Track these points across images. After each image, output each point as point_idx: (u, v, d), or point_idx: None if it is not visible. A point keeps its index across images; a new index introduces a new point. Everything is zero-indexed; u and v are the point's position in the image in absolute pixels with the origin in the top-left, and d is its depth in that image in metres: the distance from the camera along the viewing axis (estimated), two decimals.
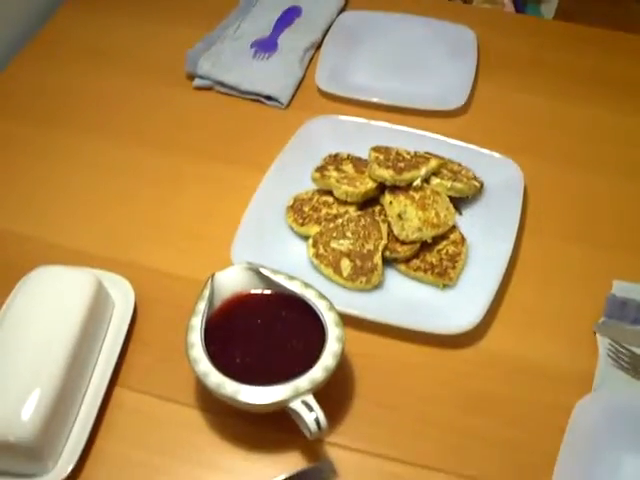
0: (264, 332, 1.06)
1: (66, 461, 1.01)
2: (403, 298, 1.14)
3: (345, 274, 1.14)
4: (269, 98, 1.43)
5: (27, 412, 0.98)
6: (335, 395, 1.05)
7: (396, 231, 1.15)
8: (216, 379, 0.99)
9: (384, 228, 1.16)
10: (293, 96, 1.45)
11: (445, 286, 1.14)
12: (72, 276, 1.10)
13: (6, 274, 1.14)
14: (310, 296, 1.05)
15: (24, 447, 0.97)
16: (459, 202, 1.23)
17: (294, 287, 1.06)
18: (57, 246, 1.22)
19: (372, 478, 1.02)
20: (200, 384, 1.05)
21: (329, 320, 1.03)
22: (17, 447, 0.97)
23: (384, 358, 1.11)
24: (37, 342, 1.03)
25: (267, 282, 1.08)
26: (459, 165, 1.26)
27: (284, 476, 0.95)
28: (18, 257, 1.20)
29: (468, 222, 1.21)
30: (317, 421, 0.97)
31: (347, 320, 1.06)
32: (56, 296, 1.08)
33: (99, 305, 1.10)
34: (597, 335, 1.12)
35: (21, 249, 1.23)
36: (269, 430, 1.05)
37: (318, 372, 0.99)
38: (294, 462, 1.02)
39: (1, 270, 1.19)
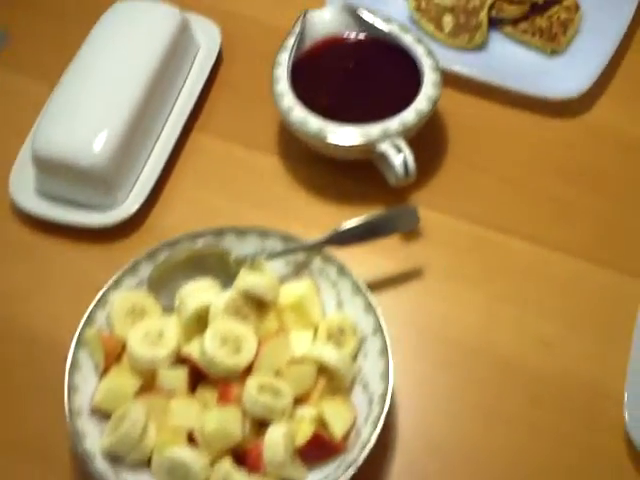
0: (355, 75, 0.89)
1: (137, 195, 0.87)
2: (507, 61, 0.94)
3: (447, 30, 0.95)
4: None
5: (100, 140, 0.84)
6: (426, 154, 0.87)
7: None
8: (301, 114, 0.82)
9: None
10: None
11: (553, 52, 0.94)
12: (154, 11, 0.93)
13: (85, 14, 0.95)
14: (407, 40, 0.87)
15: (95, 174, 0.84)
16: None
17: (391, 30, 0.87)
18: None
19: (457, 239, 0.85)
20: (283, 129, 0.89)
21: (426, 65, 0.85)
22: (88, 174, 0.84)
23: (482, 120, 0.92)
24: (114, 75, 0.88)
25: (363, 25, 0.89)
26: None
27: (364, 218, 0.79)
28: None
29: None
30: (405, 163, 0.80)
31: (445, 79, 0.87)
32: (137, 30, 0.92)
33: (182, 43, 0.93)
34: None
35: None
36: (352, 180, 0.88)
37: (410, 115, 0.82)
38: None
39: (80, 9, 1.02)
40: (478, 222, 0.85)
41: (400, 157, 0.80)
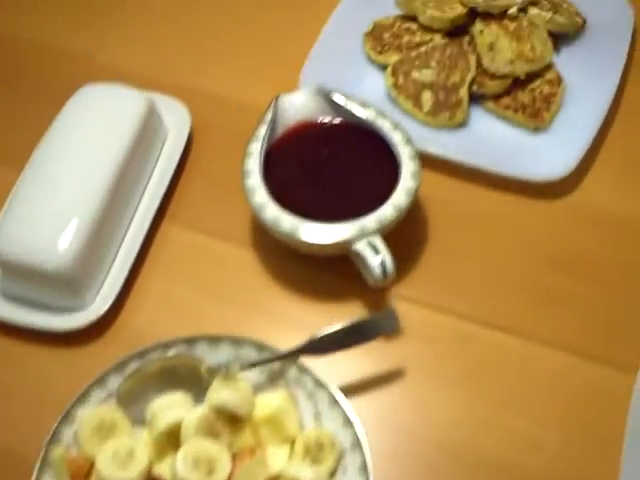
0: (330, 164, 0.85)
1: (105, 296, 0.83)
2: (489, 139, 0.91)
3: (426, 108, 0.92)
4: None
5: (65, 240, 0.80)
6: (405, 242, 0.85)
7: (486, 63, 0.91)
8: (273, 212, 0.79)
9: (472, 59, 0.92)
10: None
11: (537, 129, 0.91)
12: (121, 96, 0.90)
13: (52, 95, 0.92)
14: (385, 127, 0.84)
15: (60, 277, 0.80)
16: (557, 39, 0.98)
17: (367, 115, 0.84)
18: (107, 66, 1.01)
19: (440, 335, 0.82)
20: (256, 220, 0.86)
21: (404, 154, 0.82)
22: (54, 277, 0.80)
23: (463, 205, 0.89)
24: (79, 167, 0.85)
25: (337, 110, 0.86)
26: None
27: (341, 325, 0.76)
28: (64, 77, 1.00)
29: (566, 62, 0.96)
30: (383, 265, 0.77)
31: (425, 160, 0.84)
32: (102, 118, 0.88)
33: (150, 130, 0.90)
34: None
35: (67, 68, 1.02)
36: (329, 276, 0.85)
37: (388, 210, 0.79)
38: (354, 313, 0.83)
39: (46, 90, 0.99)
40: (461, 316, 0.82)
41: (377, 259, 0.77)
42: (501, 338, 0.81)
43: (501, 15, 0.94)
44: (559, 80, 0.94)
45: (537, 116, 0.91)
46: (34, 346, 0.83)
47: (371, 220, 0.78)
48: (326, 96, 0.86)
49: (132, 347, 0.78)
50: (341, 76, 0.95)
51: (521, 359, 0.80)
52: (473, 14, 0.95)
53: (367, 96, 0.91)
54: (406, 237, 0.85)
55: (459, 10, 0.94)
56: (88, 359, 0.81)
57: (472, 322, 0.82)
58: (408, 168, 0.81)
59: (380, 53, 0.96)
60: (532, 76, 0.93)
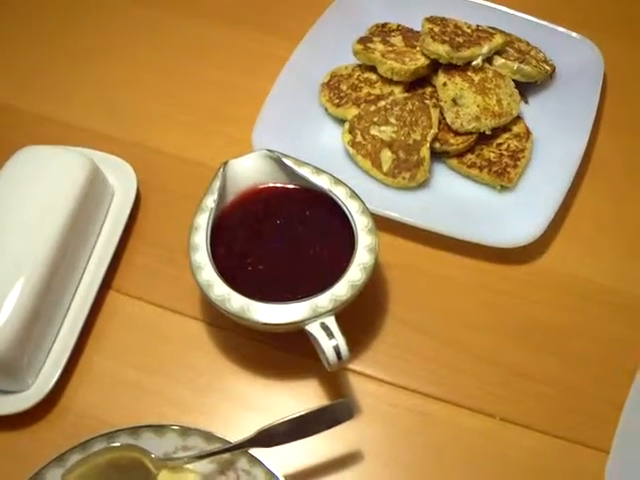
0: (283, 235, 0.85)
1: (47, 377, 0.83)
2: (452, 200, 0.92)
3: (385, 168, 0.92)
4: None
5: (1, 318, 0.79)
6: (362, 314, 0.86)
7: (449, 119, 0.92)
8: (221, 291, 0.79)
9: (435, 114, 0.93)
10: None
11: (503, 188, 0.92)
12: (63, 158, 0.90)
13: None
14: (340, 195, 0.84)
15: None
16: (526, 88, 0.99)
17: (321, 182, 0.85)
18: (49, 121, 1.01)
19: (400, 416, 0.82)
20: None
21: (360, 225, 0.82)
22: None
23: (424, 272, 0.90)
24: (18, 235, 0.84)
25: (290, 175, 0.86)
26: (528, 44, 1.02)
27: (292, 416, 0.76)
28: (4, 134, 1.00)
29: (535, 113, 0.98)
30: (337, 349, 0.77)
31: (384, 223, 0.86)
32: (43, 181, 0.88)
33: (94, 193, 0.89)
34: None
35: (8, 124, 1.02)
36: (283, 351, 0.86)
37: (343, 289, 0.79)
38: (308, 391, 0.84)
39: None
40: (419, 394, 0.83)
41: (331, 343, 0.77)
42: (461, 418, 0.82)
43: (465, 66, 0.94)
44: (528, 133, 0.95)
45: (504, 174, 0.92)
46: None
47: (325, 299, 0.78)
48: (277, 160, 0.86)
49: (76, 431, 0.79)
50: (297, 132, 0.95)
51: (484, 439, 0.81)
52: (435, 65, 0.95)
53: (325, 152, 0.93)
54: (363, 307, 0.85)
55: (421, 61, 0.95)
56: (28, 445, 0.81)
57: (434, 401, 0.83)
58: (364, 241, 0.81)
59: (338, 106, 0.96)
60: (499, 130, 0.94)
